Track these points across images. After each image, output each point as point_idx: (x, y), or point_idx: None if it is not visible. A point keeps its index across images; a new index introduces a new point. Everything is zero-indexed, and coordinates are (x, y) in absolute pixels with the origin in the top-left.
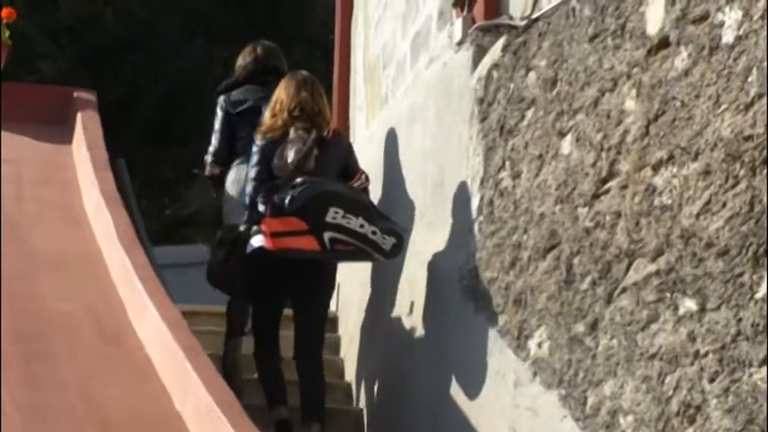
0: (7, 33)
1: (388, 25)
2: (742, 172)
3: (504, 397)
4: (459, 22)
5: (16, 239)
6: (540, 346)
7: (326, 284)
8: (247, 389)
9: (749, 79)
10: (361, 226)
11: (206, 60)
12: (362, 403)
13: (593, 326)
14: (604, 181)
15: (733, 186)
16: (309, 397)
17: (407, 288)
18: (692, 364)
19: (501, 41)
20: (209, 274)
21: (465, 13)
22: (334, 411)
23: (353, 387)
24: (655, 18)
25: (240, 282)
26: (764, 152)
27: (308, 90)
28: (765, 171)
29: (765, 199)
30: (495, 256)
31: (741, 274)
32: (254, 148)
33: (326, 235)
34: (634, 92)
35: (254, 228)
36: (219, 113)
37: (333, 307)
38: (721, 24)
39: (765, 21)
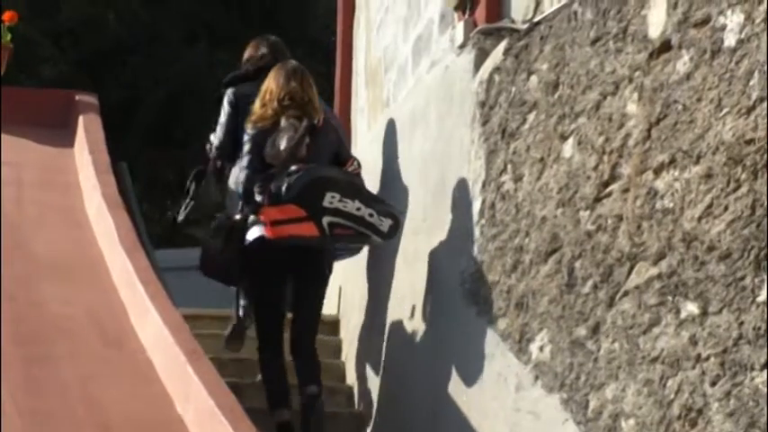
0: (8, 36)
1: (389, 29)
2: (743, 175)
3: (506, 400)
4: (460, 26)
5: (17, 243)
6: (541, 349)
7: (325, 270)
8: (248, 392)
9: (751, 83)
10: (358, 209)
11: (207, 63)
12: (364, 406)
13: (595, 329)
14: (606, 184)
15: (735, 190)
16: (306, 372)
17: (409, 292)
18: (693, 367)
19: (503, 45)
20: (202, 263)
21: (467, 16)
22: (336, 414)
23: (355, 390)
24: (656, 21)
25: (236, 272)
26: (766, 156)
27: (297, 80)
28: (767, 175)
29: (767, 202)
30: (496, 260)
31: (743, 278)
32: (246, 137)
33: (325, 220)
34: (636, 95)
35: (251, 218)
36: (226, 106)
37: (334, 310)
38: (723, 28)
39: (767, 24)
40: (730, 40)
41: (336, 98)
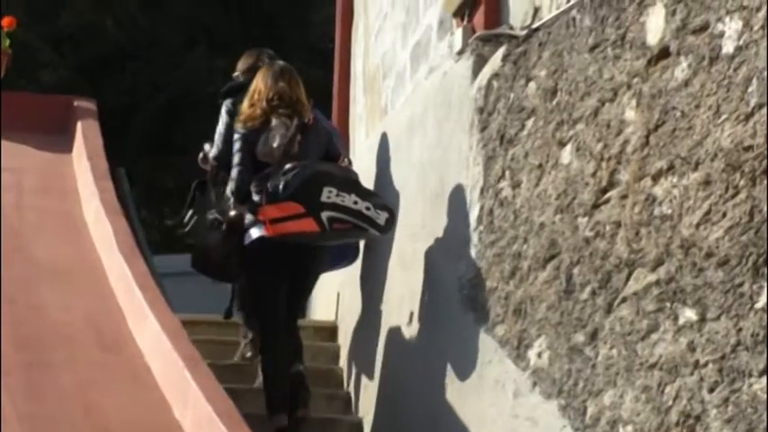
0: (8, 42)
1: (388, 35)
2: (742, 182)
3: (504, 407)
4: (459, 32)
5: (17, 248)
6: (539, 355)
7: (319, 268)
8: (246, 398)
9: (749, 89)
10: (355, 203)
11: (206, 69)
12: (362, 412)
13: (593, 336)
14: (604, 191)
15: (733, 196)
16: (291, 351)
17: (407, 297)
18: (691, 374)
19: (501, 51)
20: (196, 259)
21: (465, 22)
22: (334, 421)
23: (353, 396)
24: (655, 28)
25: (233, 269)
26: (764, 162)
27: (285, 80)
28: (765, 181)
29: (765, 209)
30: (494, 266)
31: (741, 284)
32: (236, 136)
33: (324, 215)
34: (634, 102)
35: (249, 219)
36: (224, 116)
37: (332, 316)
38: (721, 34)
39: (765, 31)
40: (729, 46)
41: (334, 105)
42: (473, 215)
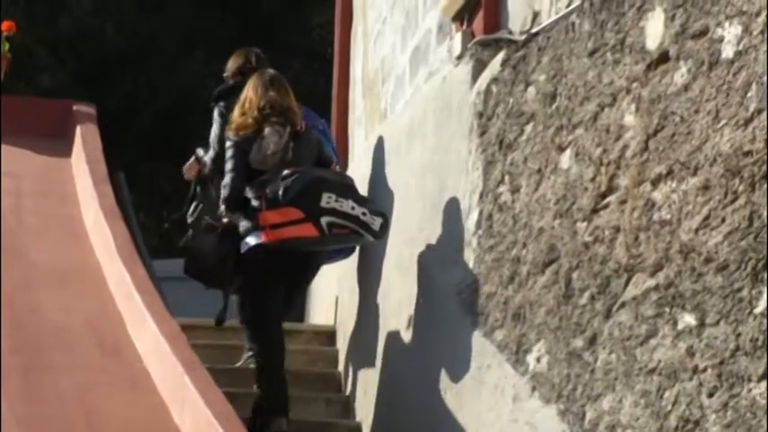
0: (7, 46)
1: (387, 39)
2: (741, 187)
3: (503, 411)
4: (458, 37)
5: (16, 252)
6: (538, 360)
7: (315, 272)
8: (244, 402)
9: (749, 94)
10: (353, 208)
11: (205, 74)
12: (360, 416)
13: (592, 340)
14: (603, 196)
15: (732, 201)
16: None
17: (405, 302)
18: (690, 379)
19: (500, 56)
20: (189, 264)
21: (464, 27)
22: (332, 425)
23: (351, 400)
24: (654, 33)
25: (227, 275)
26: (764, 167)
27: (275, 89)
28: (764, 186)
29: (764, 214)
30: (493, 271)
31: (740, 290)
32: (228, 143)
33: (323, 220)
34: (633, 107)
35: (244, 225)
36: (219, 119)
37: (331, 321)
38: (721, 39)
39: (765, 36)
40: (728, 51)
41: (333, 109)
42: (472, 220)
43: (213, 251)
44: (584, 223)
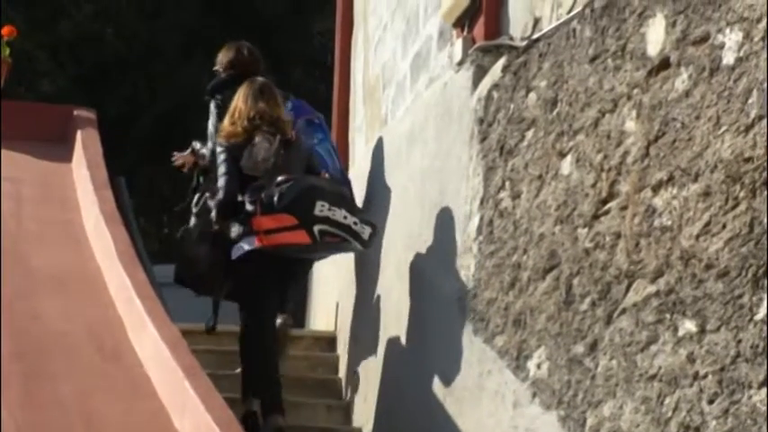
0: (8, 51)
1: (388, 45)
2: (742, 193)
3: (503, 417)
4: (459, 43)
5: (16, 258)
6: (539, 366)
7: (306, 269)
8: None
9: (749, 101)
10: (345, 217)
11: (205, 79)
12: (361, 422)
13: (593, 347)
14: (604, 202)
15: (733, 208)
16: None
17: (406, 307)
18: (691, 385)
19: (501, 62)
20: (179, 272)
21: (465, 33)
22: (333, 431)
23: (351, 407)
24: (655, 39)
25: (217, 282)
26: (764, 174)
27: (264, 100)
28: (765, 193)
29: (765, 220)
30: (494, 277)
31: (741, 296)
32: (219, 149)
33: (316, 228)
34: (634, 113)
35: (236, 230)
36: (215, 111)
37: (331, 327)
38: (722, 46)
39: (766, 42)
40: (729, 58)
41: (334, 115)
42: (473, 226)
43: (206, 257)
44: (585, 229)
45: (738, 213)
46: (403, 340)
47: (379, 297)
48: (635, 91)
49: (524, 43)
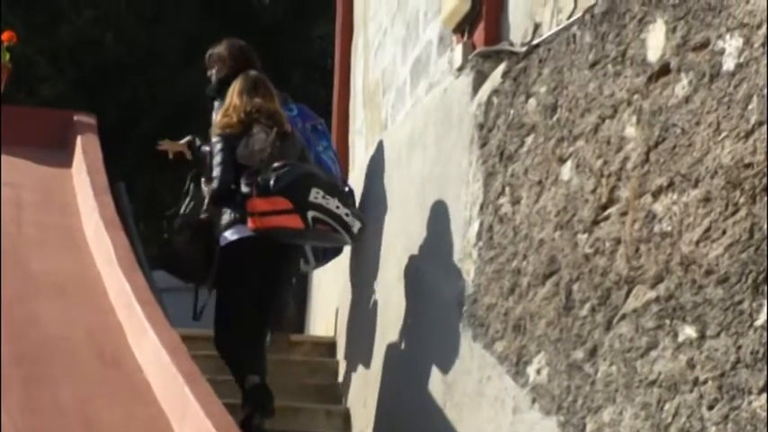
0: (8, 56)
1: (387, 51)
2: (742, 199)
3: (503, 423)
4: (459, 48)
5: (16, 263)
6: (539, 372)
7: (292, 265)
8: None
9: (749, 107)
10: (337, 207)
11: (205, 84)
12: (360, 428)
13: (593, 352)
14: (604, 207)
15: (733, 214)
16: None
17: (405, 313)
18: (691, 391)
19: (501, 67)
20: (167, 258)
21: (465, 38)
22: None
23: (351, 412)
24: (655, 45)
25: (200, 270)
26: (764, 180)
27: (259, 94)
28: (765, 199)
29: (765, 226)
30: (494, 282)
31: (741, 302)
32: (215, 138)
33: (310, 214)
34: (634, 119)
35: (226, 219)
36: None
37: (331, 332)
38: (722, 52)
39: (766, 48)
40: (729, 64)
41: (334, 120)
42: (472, 231)
43: (186, 248)
44: (585, 235)
45: (738, 219)
46: (402, 345)
47: (378, 302)
48: (635, 97)
49: (524, 49)
